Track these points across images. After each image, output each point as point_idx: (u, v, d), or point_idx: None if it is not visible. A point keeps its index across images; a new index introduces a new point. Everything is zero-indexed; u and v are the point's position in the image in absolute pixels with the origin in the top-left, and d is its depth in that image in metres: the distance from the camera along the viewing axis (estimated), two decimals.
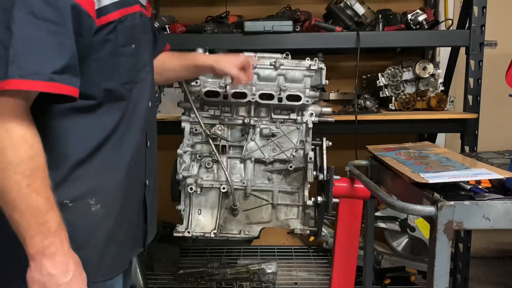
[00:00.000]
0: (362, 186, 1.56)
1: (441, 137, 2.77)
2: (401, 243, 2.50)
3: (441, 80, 2.34)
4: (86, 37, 0.90)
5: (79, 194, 0.96)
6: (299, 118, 1.72)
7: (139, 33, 1.05)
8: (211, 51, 1.74)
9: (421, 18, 2.20)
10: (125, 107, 1.03)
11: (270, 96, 1.67)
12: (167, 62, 1.43)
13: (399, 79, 2.32)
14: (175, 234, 1.67)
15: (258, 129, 1.71)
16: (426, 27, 2.21)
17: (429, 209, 0.97)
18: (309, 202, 1.63)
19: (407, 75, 2.32)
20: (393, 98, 2.34)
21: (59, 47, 0.83)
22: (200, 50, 1.71)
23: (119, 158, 1.03)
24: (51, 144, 0.89)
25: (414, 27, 2.20)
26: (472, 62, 2.13)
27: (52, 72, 0.81)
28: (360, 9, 2.29)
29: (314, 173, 1.62)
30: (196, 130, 1.71)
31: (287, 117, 1.72)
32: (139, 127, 1.09)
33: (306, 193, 1.66)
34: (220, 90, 1.66)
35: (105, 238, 1.01)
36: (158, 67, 1.36)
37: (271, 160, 1.70)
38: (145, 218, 1.18)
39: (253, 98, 1.67)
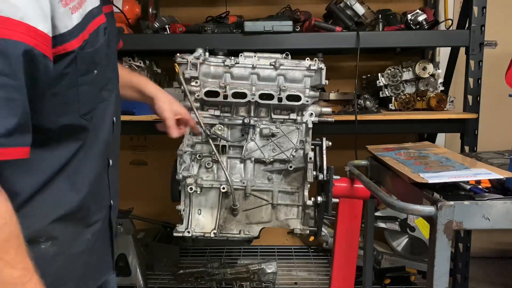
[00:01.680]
0: (362, 186, 1.55)
1: (441, 137, 2.77)
2: (401, 243, 2.50)
3: (441, 80, 2.34)
4: (42, 79, 0.76)
5: (27, 233, 0.81)
6: (299, 118, 1.72)
7: (103, 54, 0.91)
8: (211, 51, 1.74)
9: (421, 18, 2.20)
10: (85, 136, 0.91)
11: (270, 96, 1.67)
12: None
13: (399, 79, 2.32)
14: (175, 234, 1.67)
15: (258, 129, 1.71)
16: (426, 27, 2.21)
17: (429, 209, 0.97)
18: (309, 202, 1.63)
19: (407, 75, 2.32)
20: (393, 98, 2.34)
21: (8, 104, 0.70)
22: (200, 50, 1.71)
23: (74, 191, 0.91)
24: None
25: (414, 27, 2.20)
26: (472, 62, 2.13)
27: (0, 136, 0.69)
28: (360, 9, 2.29)
29: (314, 173, 1.62)
30: None
31: (287, 117, 1.72)
32: (99, 153, 0.97)
33: (306, 193, 1.66)
34: (220, 90, 1.66)
35: (56, 278, 0.90)
36: None
37: (271, 160, 1.70)
38: (111, 240, 1.10)
39: (253, 98, 1.67)
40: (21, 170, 0.82)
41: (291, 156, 1.70)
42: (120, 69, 1.24)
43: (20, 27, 0.70)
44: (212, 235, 1.66)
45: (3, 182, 0.77)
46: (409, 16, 2.21)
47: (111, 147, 1.03)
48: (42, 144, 0.84)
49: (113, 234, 1.11)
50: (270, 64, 1.70)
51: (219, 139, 1.70)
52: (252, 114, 1.72)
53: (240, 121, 1.71)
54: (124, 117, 1.92)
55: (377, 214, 2.39)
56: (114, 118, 1.02)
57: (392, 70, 2.32)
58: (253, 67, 1.70)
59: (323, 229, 2.52)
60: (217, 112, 1.72)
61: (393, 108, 2.34)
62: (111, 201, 1.07)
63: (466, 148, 2.16)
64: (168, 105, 1.32)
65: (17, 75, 0.71)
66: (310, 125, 1.72)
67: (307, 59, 1.71)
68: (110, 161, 1.03)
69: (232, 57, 1.71)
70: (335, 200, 1.59)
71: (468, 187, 1.05)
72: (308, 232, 1.68)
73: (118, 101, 1.06)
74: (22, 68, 0.71)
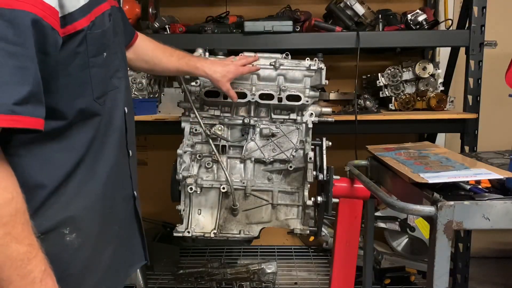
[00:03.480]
0: (362, 186, 1.55)
1: (441, 137, 2.77)
2: (401, 243, 2.50)
3: (441, 80, 2.34)
4: (52, 53, 0.78)
5: (51, 225, 0.86)
6: (299, 118, 1.72)
7: (110, 38, 0.95)
8: (211, 51, 1.74)
9: (421, 18, 2.20)
10: (99, 122, 0.93)
11: (270, 96, 1.67)
12: (164, 61, 1.40)
13: (399, 79, 2.32)
14: (175, 234, 1.67)
15: (258, 129, 1.71)
16: (426, 27, 2.21)
17: (429, 209, 0.97)
18: (309, 202, 1.63)
19: (407, 75, 2.33)
20: (393, 98, 2.34)
21: (20, 72, 0.71)
22: (200, 50, 1.71)
23: (94, 180, 0.93)
24: (18, 174, 0.77)
25: (414, 27, 2.20)
26: (472, 62, 2.13)
27: (14, 103, 0.69)
28: (360, 9, 2.29)
29: (314, 173, 1.62)
30: (196, 130, 1.71)
31: (287, 117, 1.72)
32: (116, 141, 0.99)
33: (306, 193, 1.66)
34: (220, 90, 1.66)
35: (82, 268, 0.92)
36: (149, 60, 1.36)
37: (271, 160, 1.70)
38: (140, 230, 1.15)
39: (253, 98, 1.67)
40: (46, 163, 0.84)
41: (291, 156, 1.70)
42: (169, 55, 1.40)
43: None
44: (212, 235, 1.66)
45: (26, 174, 0.80)
46: (409, 16, 2.21)
47: (129, 138, 1.07)
48: (61, 136, 0.87)
49: (141, 225, 1.15)
50: (270, 64, 1.69)
51: (219, 139, 1.70)
52: (252, 114, 1.72)
53: (240, 121, 1.71)
54: None
55: (377, 214, 2.39)
56: (126, 108, 1.04)
57: (392, 70, 2.32)
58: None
59: (323, 229, 2.52)
60: (217, 112, 1.72)
61: (393, 108, 2.34)
62: (134, 192, 1.11)
63: (466, 148, 2.16)
64: (222, 82, 1.50)
65: (27, 44, 0.72)
66: (310, 125, 1.72)
67: (307, 59, 1.70)
68: (130, 152, 1.08)
69: (232, 57, 1.71)
70: (335, 200, 1.59)
71: (468, 187, 1.05)
72: (308, 232, 1.68)
73: (129, 91, 1.10)
74: (32, 37, 0.72)
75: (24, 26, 0.71)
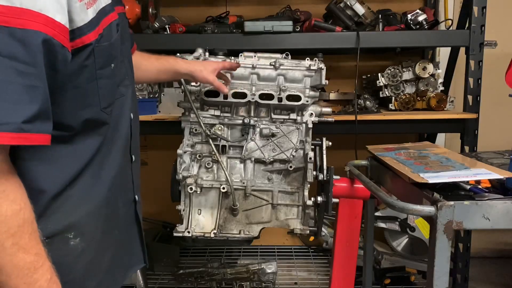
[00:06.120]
0: (362, 186, 1.56)
1: (441, 137, 2.77)
2: (401, 243, 2.50)
3: (441, 80, 2.35)
4: (61, 69, 0.79)
5: (56, 229, 0.86)
6: (299, 118, 1.72)
7: (118, 48, 0.95)
8: (211, 51, 1.74)
9: (421, 18, 2.20)
10: (106, 130, 0.94)
11: (270, 96, 1.67)
12: (144, 63, 1.37)
13: (399, 79, 2.32)
14: (175, 234, 1.67)
15: (258, 129, 1.71)
16: (426, 27, 2.21)
17: (429, 209, 0.97)
18: (309, 202, 1.63)
19: (407, 75, 2.33)
20: (393, 98, 2.34)
21: (29, 90, 0.72)
22: (200, 50, 1.71)
23: (99, 186, 0.94)
24: (23, 179, 0.79)
25: (414, 27, 2.20)
26: (472, 62, 2.13)
27: (23, 122, 0.71)
28: (360, 9, 2.29)
29: (314, 173, 1.62)
30: (196, 130, 1.71)
31: (287, 117, 1.72)
32: (121, 148, 1.01)
33: (306, 193, 1.66)
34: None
35: (85, 272, 0.93)
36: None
37: (271, 160, 1.70)
38: (140, 233, 1.16)
39: (253, 98, 1.67)
40: (50, 168, 0.85)
41: (291, 156, 1.70)
42: (148, 58, 1.37)
43: (39, 18, 0.72)
44: (212, 235, 1.66)
45: (32, 179, 0.80)
46: (409, 16, 2.21)
47: (133, 143, 1.08)
48: (67, 141, 0.87)
49: (141, 228, 1.15)
50: (270, 64, 1.70)
51: (219, 139, 1.70)
52: (252, 114, 1.72)
53: (240, 121, 1.71)
54: None
55: (377, 214, 2.39)
56: (132, 114, 1.06)
57: (392, 70, 2.32)
58: (253, 67, 1.70)
59: (323, 229, 2.52)
60: (217, 112, 1.72)
61: (393, 108, 2.34)
62: (136, 196, 1.12)
63: (466, 148, 2.16)
64: (206, 72, 1.46)
65: (37, 63, 0.73)
66: (310, 125, 1.72)
67: (307, 59, 1.71)
68: (133, 157, 1.10)
69: (232, 57, 1.71)
70: (335, 200, 1.59)
71: (468, 187, 1.05)
72: (308, 232, 1.68)
73: (135, 97, 1.11)
74: (42, 56, 0.74)
75: (35, 45, 0.72)
